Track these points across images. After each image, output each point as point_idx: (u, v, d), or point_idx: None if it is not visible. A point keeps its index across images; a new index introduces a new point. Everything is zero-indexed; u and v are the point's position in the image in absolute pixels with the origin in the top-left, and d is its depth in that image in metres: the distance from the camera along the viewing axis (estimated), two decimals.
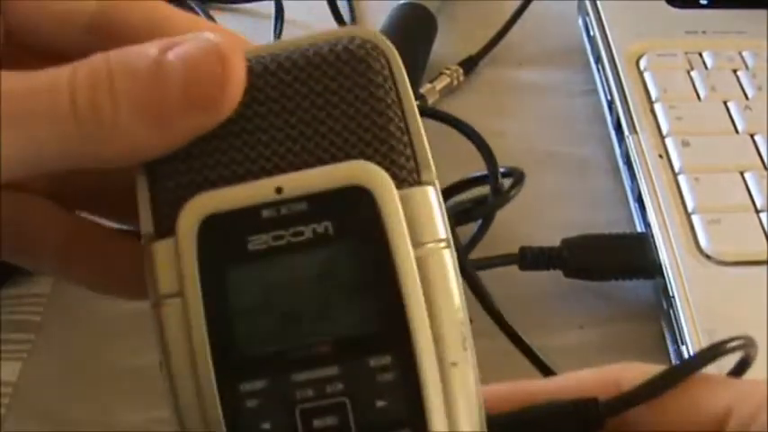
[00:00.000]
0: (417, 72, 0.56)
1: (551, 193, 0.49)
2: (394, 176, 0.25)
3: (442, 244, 0.26)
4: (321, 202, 0.25)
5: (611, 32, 0.55)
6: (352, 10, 0.62)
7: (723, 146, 0.48)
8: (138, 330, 0.43)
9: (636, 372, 0.28)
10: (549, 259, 0.44)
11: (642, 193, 0.46)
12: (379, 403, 0.25)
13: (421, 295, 0.25)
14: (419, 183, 0.26)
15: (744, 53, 0.54)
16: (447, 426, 0.25)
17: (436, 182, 0.26)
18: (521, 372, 0.40)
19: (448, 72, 0.57)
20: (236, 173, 0.26)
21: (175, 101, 0.24)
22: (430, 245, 0.25)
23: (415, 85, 0.54)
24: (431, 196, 0.26)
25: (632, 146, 0.48)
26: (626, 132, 0.50)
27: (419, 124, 0.26)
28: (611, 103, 0.53)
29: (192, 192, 0.26)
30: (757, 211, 0.45)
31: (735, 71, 0.53)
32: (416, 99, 0.53)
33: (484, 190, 0.46)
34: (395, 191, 0.25)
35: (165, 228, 0.26)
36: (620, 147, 0.51)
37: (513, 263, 0.44)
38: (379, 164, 0.25)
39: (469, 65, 0.58)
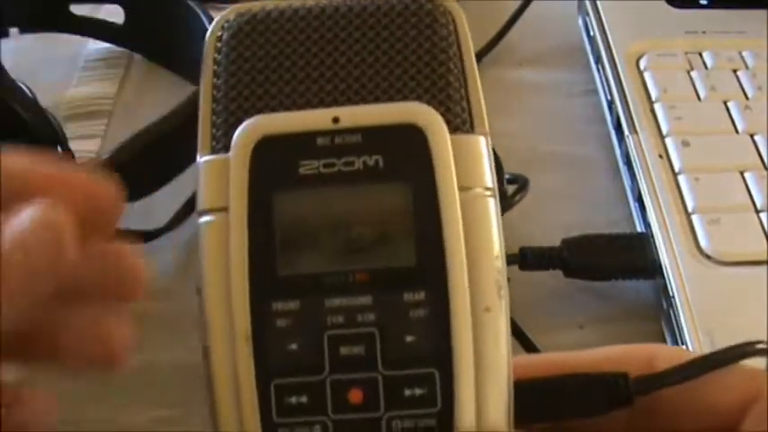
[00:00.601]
0: None
1: (551, 193, 0.49)
2: (448, 122, 0.26)
3: (488, 192, 0.26)
4: (375, 136, 0.26)
5: (611, 32, 0.55)
6: None
7: (723, 146, 0.48)
8: (142, 330, 0.43)
9: (670, 352, 0.28)
10: (549, 259, 0.44)
11: (642, 193, 0.46)
12: (408, 338, 0.25)
13: (461, 237, 0.25)
14: (472, 132, 0.27)
15: (744, 53, 0.54)
16: (473, 369, 0.25)
17: (488, 136, 0.27)
18: None
19: None
20: (296, 102, 0.27)
21: (18, 283, 0.24)
22: (476, 190, 0.26)
23: None
24: (482, 145, 0.27)
25: (632, 146, 0.48)
26: (626, 132, 0.50)
27: (477, 82, 0.27)
28: (611, 103, 0.53)
29: (251, 115, 0.26)
30: (757, 211, 0.45)
31: (735, 71, 0.53)
32: None
33: None
34: (447, 134, 0.26)
35: (221, 146, 0.27)
36: (620, 147, 0.51)
37: (514, 263, 0.44)
38: (435, 108, 0.26)
39: None
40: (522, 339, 0.41)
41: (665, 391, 0.27)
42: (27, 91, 0.44)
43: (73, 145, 0.45)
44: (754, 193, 0.45)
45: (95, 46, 0.60)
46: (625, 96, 0.51)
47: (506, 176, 0.46)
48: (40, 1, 0.58)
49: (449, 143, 0.26)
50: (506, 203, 0.45)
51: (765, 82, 0.52)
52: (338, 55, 0.27)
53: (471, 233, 0.25)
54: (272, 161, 0.26)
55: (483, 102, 0.27)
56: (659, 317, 0.43)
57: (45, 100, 0.45)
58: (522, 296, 0.45)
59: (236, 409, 0.25)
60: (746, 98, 0.51)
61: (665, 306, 0.43)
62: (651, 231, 0.44)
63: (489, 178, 0.26)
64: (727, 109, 0.50)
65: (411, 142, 0.26)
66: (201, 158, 0.27)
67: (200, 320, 0.26)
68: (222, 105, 0.27)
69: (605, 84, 0.54)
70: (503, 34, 0.59)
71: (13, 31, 0.58)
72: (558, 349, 0.43)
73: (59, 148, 0.44)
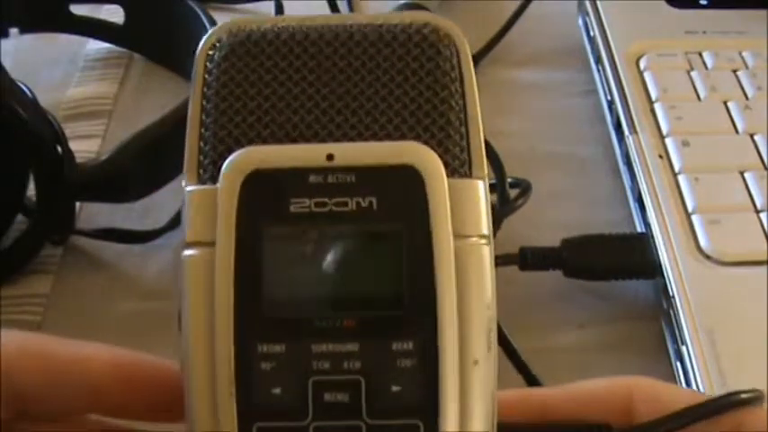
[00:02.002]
0: None
1: (551, 193, 0.49)
2: (446, 164, 0.25)
3: (483, 240, 0.25)
4: (369, 177, 0.25)
5: (611, 32, 0.55)
6: (351, 10, 0.62)
7: (723, 146, 0.48)
8: (140, 331, 0.43)
9: (648, 388, 0.28)
10: (548, 259, 0.44)
11: (642, 193, 0.46)
12: (394, 388, 0.24)
13: (454, 287, 0.24)
14: (470, 176, 0.26)
15: (744, 53, 0.54)
16: (458, 424, 0.24)
17: (486, 179, 0.26)
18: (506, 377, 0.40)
19: None
20: (289, 134, 0.26)
21: None
22: (471, 239, 0.25)
23: None
24: (480, 191, 0.26)
25: (632, 146, 0.48)
26: (626, 132, 0.50)
27: (479, 120, 0.26)
28: (611, 103, 0.53)
29: (241, 146, 0.25)
30: (757, 211, 0.45)
31: (735, 71, 0.53)
32: None
33: (491, 198, 0.46)
34: (445, 178, 0.25)
35: (209, 176, 0.26)
36: (620, 147, 0.51)
37: (513, 263, 0.44)
38: (433, 149, 0.25)
39: None
40: (522, 371, 0.40)
41: None
42: (27, 91, 0.44)
43: (73, 145, 0.45)
44: (754, 193, 0.45)
45: (95, 46, 0.60)
46: (625, 96, 0.51)
47: (509, 180, 0.46)
48: (40, 1, 0.58)
49: (446, 188, 0.25)
50: (509, 208, 0.45)
51: (765, 82, 0.51)
52: (336, 85, 0.26)
53: (464, 282, 0.25)
54: (262, 197, 0.25)
55: (483, 142, 0.26)
56: (659, 317, 0.43)
57: (45, 100, 0.45)
58: (522, 296, 0.45)
59: None
60: (746, 98, 0.51)
61: (665, 306, 0.43)
62: (651, 231, 0.44)
63: (485, 226, 0.26)
64: (727, 109, 0.50)
65: (407, 185, 0.25)
66: (188, 188, 0.26)
67: (181, 358, 0.25)
68: (211, 132, 0.26)
69: (605, 84, 0.54)
70: (503, 34, 0.59)
71: (13, 31, 0.57)
72: (557, 350, 0.43)
73: (59, 148, 0.44)
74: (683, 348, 0.40)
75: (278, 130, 0.26)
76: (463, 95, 0.26)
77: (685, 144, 0.48)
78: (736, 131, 0.49)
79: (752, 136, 0.49)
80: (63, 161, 0.44)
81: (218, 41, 0.27)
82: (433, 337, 0.24)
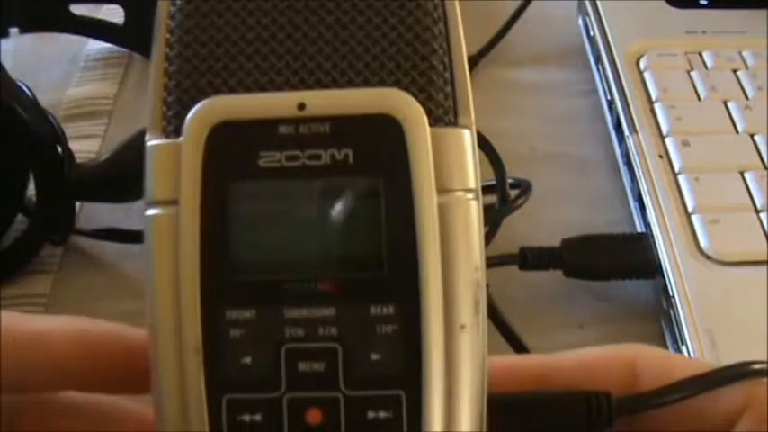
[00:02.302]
0: None
1: (551, 193, 0.49)
2: (429, 112, 0.23)
3: (470, 195, 0.23)
4: (345, 127, 0.23)
5: (611, 32, 0.55)
6: None
7: (723, 146, 0.48)
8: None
9: (651, 355, 0.27)
10: (549, 259, 0.44)
11: (642, 193, 0.46)
12: (374, 356, 0.22)
13: (438, 245, 0.23)
14: (455, 124, 0.24)
15: (744, 53, 0.54)
16: (444, 393, 0.22)
17: (473, 128, 0.24)
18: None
19: None
20: (258, 82, 0.24)
21: None
22: (457, 193, 0.23)
23: None
24: (465, 141, 0.24)
25: (632, 146, 0.48)
26: (626, 132, 0.50)
27: (465, 68, 0.24)
28: (611, 103, 0.53)
29: (207, 95, 0.24)
30: (757, 211, 0.45)
31: (735, 71, 0.53)
32: None
33: (491, 198, 0.46)
34: (427, 127, 0.23)
35: (173, 128, 0.24)
36: (620, 147, 0.51)
37: (513, 263, 0.44)
38: (414, 96, 0.23)
39: (470, 64, 0.57)
40: (513, 342, 0.41)
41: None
42: (27, 91, 0.44)
43: (73, 145, 0.45)
44: (754, 193, 0.45)
45: (95, 46, 0.60)
46: (625, 96, 0.51)
47: (509, 180, 0.46)
48: (40, 1, 0.58)
49: (428, 138, 0.23)
50: (509, 208, 0.45)
51: (765, 82, 0.51)
52: (308, 29, 0.24)
53: (449, 240, 0.23)
54: (229, 151, 0.23)
55: (470, 90, 0.24)
56: (659, 317, 0.43)
57: (45, 100, 0.45)
58: (522, 296, 0.45)
59: (183, 426, 0.23)
60: (746, 98, 0.51)
61: (665, 306, 0.43)
62: (651, 231, 0.44)
63: (472, 179, 0.23)
64: (727, 109, 0.50)
65: (385, 135, 0.23)
66: (150, 142, 0.24)
67: (147, 327, 0.23)
68: (175, 81, 0.24)
69: (605, 84, 0.54)
70: (502, 34, 0.59)
71: (13, 31, 0.57)
72: (557, 350, 0.43)
73: (59, 148, 0.44)
74: (683, 348, 0.40)
75: (246, 78, 0.24)
76: (447, 38, 0.24)
77: (685, 144, 0.48)
78: (736, 131, 0.49)
79: (752, 136, 0.49)
80: (63, 161, 0.44)
81: None
82: (416, 300, 0.22)
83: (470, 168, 0.23)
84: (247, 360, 0.23)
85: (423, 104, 0.23)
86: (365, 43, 0.24)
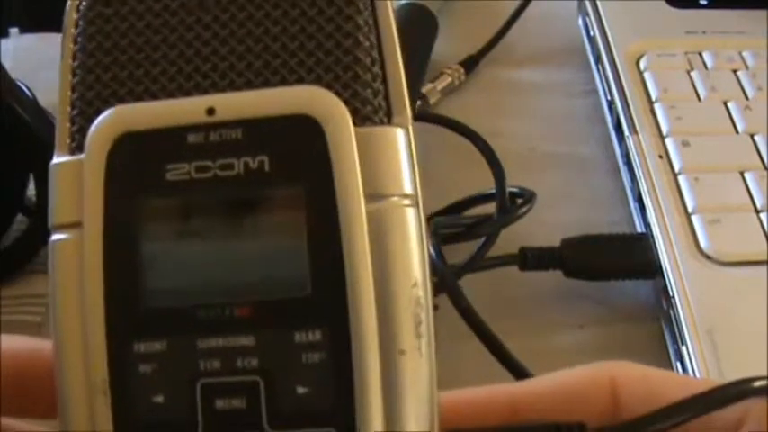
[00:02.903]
0: (418, 72, 0.56)
1: (551, 193, 0.49)
2: (354, 112, 0.21)
3: (407, 201, 0.21)
4: (259, 132, 0.21)
5: (611, 32, 0.55)
6: None
7: (723, 146, 0.48)
8: None
9: (632, 375, 0.24)
10: (549, 259, 0.44)
11: (642, 193, 0.46)
12: (300, 389, 0.20)
13: (368, 260, 0.20)
14: (387, 124, 0.21)
15: (744, 53, 0.54)
16: (382, 425, 0.20)
17: (411, 128, 0.21)
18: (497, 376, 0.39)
19: (449, 72, 0.56)
20: (166, 89, 0.22)
21: None
22: (391, 199, 0.21)
23: (417, 85, 0.54)
24: (399, 140, 0.21)
25: (632, 146, 0.48)
26: (626, 132, 0.50)
27: (399, 61, 0.22)
28: (611, 103, 0.53)
29: (111, 105, 0.22)
30: (757, 211, 0.45)
31: (735, 71, 0.53)
32: (418, 99, 0.54)
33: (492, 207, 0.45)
34: (351, 126, 0.21)
35: (77, 145, 0.22)
36: (620, 147, 0.51)
37: (513, 263, 0.44)
38: (337, 94, 0.21)
39: (470, 64, 0.58)
40: (507, 363, 0.39)
41: None
42: (27, 91, 0.44)
43: None
44: (754, 193, 0.45)
45: None
46: (625, 96, 0.51)
47: (513, 190, 0.45)
48: (40, 1, 0.58)
49: (353, 138, 0.20)
50: (509, 217, 0.44)
51: (765, 82, 0.51)
52: (219, 27, 0.22)
53: (382, 254, 0.20)
54: (134, 165, 0.21)
55: (405, 87, 0.22)
56: (659, 317, 0.43)
57: (45, 100, 0.45)
58: (522, 296, 0.45)
59: None
60: (746, 98, 0.51)
61: (665, 306, 0.42)
62: (651, 231, 0.44)
63: (408, 183, 0.21)
64: (727, 109, 0.50)
65: (304, 138, 0.20)
66: (54, 160, 0.22)
67: (54, 361, 0.21)
68: (78, 93, 0.23)
69: (605, 84, 0.54)
70: (502, 34, 0.59)
71: (13, 31, 0.57)
72: (557, 350, 0.43)
73: None
74: (683, 348, 0.40)
75: (152, 85, 0.22)
76: (376, 28, 0.22)
77: (685, 144, 0.48)
78: (736, 131, 0.49)
79: (752, 136, 0.49)
80: None
81: None
82: (345, 323, 0.20)
83: (406, 171, 0.21)
84: (159, 399, 0.20)
85: (347, 102, 0.21)
86: (281, 39, 0.22)
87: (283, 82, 0.21)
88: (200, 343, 0.20)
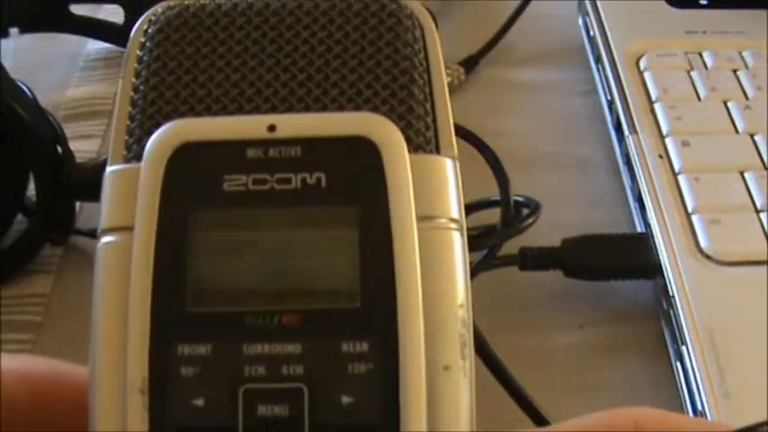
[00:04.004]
0: None
1: (551, 193, 0.49)
2: (408, 140, 0.22)
3: (454, 225, 0.22)
4: (318, 150, 0.21)
5: (611, 32, 0.55)
6: None
7: (723, 146, 0.48)
8: None
9: (654, 418, 0.25)
10: (549, 259, 0.44)
11: (642, 193, 0.46)
12: (345, 399, 0.20)
13: (417, 277, 0.20)
14: (437, 153, 0.22)
15: (744, 53, 0.54)
16: None
17: (457, 161, 0.22)
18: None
19: (449, 71, 0.56)
20: (227, 108, 0.22)
21: None
22: (439, 220, 0.21)
23: None
24: (448, 168, 0.22)
25: (632, 146, 0.48)
26: (626, 132, 0.50)
27: (447, 99, 0.23)
28: (611, 103, 0.53)
29: (172, 120, 0.22)
30: (757, 211, 0.45)
31: (735, 71, 0.53)
32: None
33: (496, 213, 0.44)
34: (406, 151, 0.21)
35: (133, 155, 0.22)
36: (620, 147, 0.51)
37: (513, 263, 0.44)
38: (393, 122, 0.22)
39: (470, 64, 0.58)
40: (528, 410, 0.38)
41: None
42: (27, 91, 0.44)
43: (73, 145, 0.45)
44: (754, 193, 0.45)
45: (95, 46, 0.60)
46: (625, 96, 0.51)
47: (518, 199, 0.45)
48: (40, 1, 0.58)
49: (407, 163, 0.21)
50: (513, 228, 0.44)
51: (765, 82, 0.51)
52: (282, 56, 0.23)
53: (430, 273, 0.21)
54: (192, 174, 0.21)
55: (452, 126, 0.23)
56: (659, 317, 0.43)
57: (45, 100, 0.45)
58: (522, 296, 0.45)
59: None
60: (746, 98, 0.51)
61: (665, 306, 0.42)
62: (651, 231, 0.44)
63: (456, 208, 0.22)
64: (727, 109, 0.50)
65: (361, 159, 0.21)
66: (109, 168, 0.22)
67: (89, 364, 0.21)
68: (139, 108, 0.23)
69: (605, 84, 0.54)
70: (502, 34, 0.59)
71: (13, 31, 0.57)
72: (557, 350, 0.43)
73: (59, 148, 0.44)
74: (683, 348, 0.40)
75: (214, 105, 0.22)
76: (428, 70, 0.23)
77: (685, 144, 0.48)
78: (736, 131, 0.49)
79: (752, 136, 0.49)
80: (63, 161, 0.44)
81: (154, 15, 0.24)
82: (393, 336, 0.20)
83: (453, 198, 0.22)
84: (199, 402, 0.20)
85: (402, 131, 0.22)
86: (341, 71, 0.23)
87: (340, 110, 0.22)
88: (245, 349, 0.20)
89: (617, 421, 0.25)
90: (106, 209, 0.22)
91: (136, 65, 0.23)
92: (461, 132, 0.47)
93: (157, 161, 0.21)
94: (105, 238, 0.22)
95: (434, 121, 0.23)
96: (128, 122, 0.23)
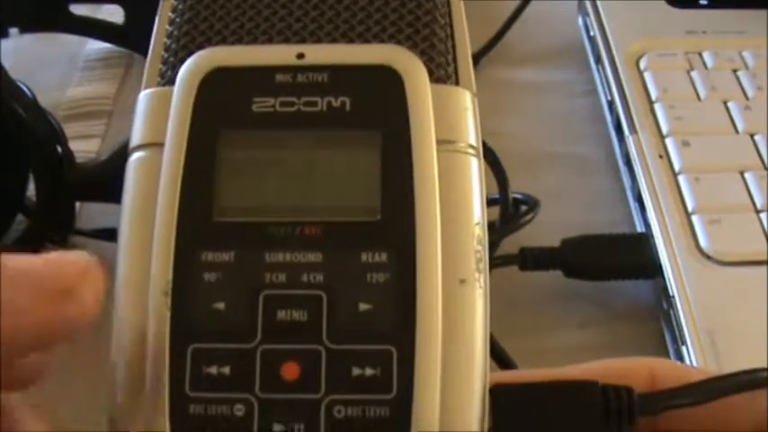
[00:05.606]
0: None
1: (551, 193, 0.49)
2: (430, 72, 0.23)
3: (471, 150, 0.22)
4: (344, 76, 0.22)
5: (611, 32, 0.55)
6: None
7: (723, 146, 0.48)
8: None
9: (671, 367, 0.25)
10: (549, 259, 0.44)
11: (642, 193, 0.46)
12: (363, 306, 0.20)
13: (436, 194, 0.21)
14: (457, 84, 0.23)
15: (744, 53, 0.54)
16: (440, 351, 0.20)
17: (475, 96, 0.24)
18: None
19: None
20: (258, 40, 0.23)
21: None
22: (458, 144, 0.22)
23: None
24: (467, 98, 0.23)
25: (632, 146, 0.48)
26: (626, 132, 0.50)
27: (467, 40, 0.24)
28: (611, 103, 0.53)
29: (204, 47, 0.23)
30: (757, 211, 0.45)
31: (735, 71, 0.53)
32: None
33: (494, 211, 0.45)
34: (427, 80, 0.22)
35: (167, 81, 0.23)
36: (620, 147, 0.51)
37: (514, 263, 0.44)
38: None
39: None
40: (500, 359, 0.39)
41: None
42: (27, 91, 0.44)
43: (73, 145, 0.45)
44: (754, 193, 0.45)
45: (95, 46, 0.60)
46: (625, 96, 0.51)
47: (517, 196, 0.45)
48: (40, 1, 0.58)
49: (428, 90, 0.22)
50: (512, 225, 0.44)
51: (765, 82, 0.51)
52: None
53: (448, 192, 0.21)
54: (222, 96, 0.22)
55: (471, 61, 0.24)
56: (659, 317, 0.43)
57: (45, 100, 0.45)
58: (522, 296, 0.45)
59: (139, 376, 0.20)
60: (746, 98, 0.51)
61: (665, 306, 0.43)
62: (651, 231, 0.44)
63: (473, 135, 0.23)
64: (727, 109, 0.50)
65: (384, 85, 0.22)
66: (143, 92, 0.23)
67: (115, 269, 0.22)
68: (174, 39, 0.24)
69: (605, 84, 0.54)
70: (502, 34, 0.59)
71: (13, 31, 0.57)
72: (557, 350, 0.43)
73: (59, 148, 0.44)
74: (683, 348, 0.40)
75: (245, 36, 0.23)
76: (450, 13, 0.24)
77: (685, 144, 0.48)
78: (736, 131, 0.49)
79: (752, 136, 0.49)
80: (63, 161, 0.44)
81: None
82: (411, 248, 0.21)
83: (471, 126, 0.23)
84: (220, 305, 0.21)
85: (424, 64, 0.23)
86: (368, 9, 0.24)
87: (365, 43, 0.23)
88: (267, 257, 0.21)
89: (633, 370, 0.25)
90: (138, 127, 0.23)
91: (173, 1, 0.25)
92: None
93: (190, 83, 0.22)
94: (137, 154, 0.22)
95: (455, 59, 0.24)
96: (163, 53, 0.24)
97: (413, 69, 0.22)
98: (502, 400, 0.22)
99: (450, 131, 0.22)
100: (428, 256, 0.21)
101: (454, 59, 0.24)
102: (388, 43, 0.23)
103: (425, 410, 0.20)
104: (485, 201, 0.22)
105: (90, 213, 0.48)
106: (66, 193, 0.44)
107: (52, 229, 0.46)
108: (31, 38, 0.59)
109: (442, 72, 0.23)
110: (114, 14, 0.59)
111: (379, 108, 0.22)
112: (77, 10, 0.58)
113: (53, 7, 0.58)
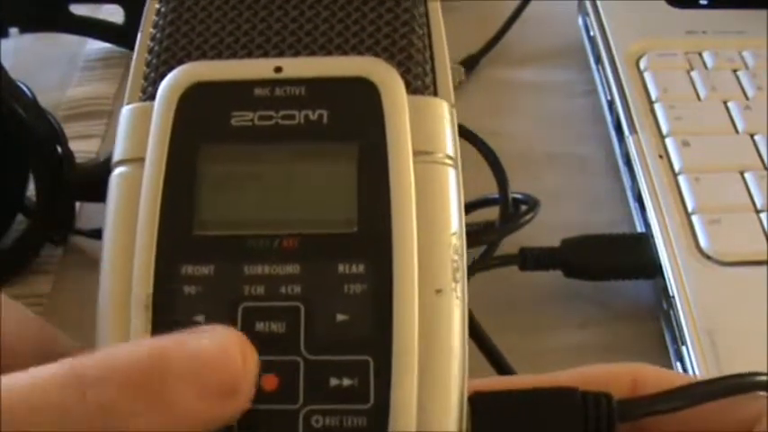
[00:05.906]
0: None
1: (551, 193, 0.49)
2: (407, 83, 0.23)
3: (449, 161, 0.23)
4: (321, 89, 0.23)
5: (611, 32, 0.55)
6: None
7: (723, 146, 0.48)
8: None
9: (655, 374, 0.25)
10: (549, 259, 0.44)
11: (642, 193, 0.46)
12: (340, 317, 0.21)
13: (412, 205, 0.22)
14: (435, 95, 0.24)
15: (744, 53, 0.54)
16: (416, 361, 0.21)
17: (454, 107, 0.24)
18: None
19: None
20: (237, 54, 0.24)
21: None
22: (435, 155, 0.23)
23: None
24: (444, 109, 0.23)
25: (632, 146, 0.48)
26: (626, 132, 0.50)
27: (445, 51, 0.24)
28: (610, 103, 0.53)
29: (184, 62, 0.24)
30: (757, 211, 0.45)
31: (735, 71, 0.53)
32: None
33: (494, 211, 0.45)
34: (404, 91, 0.23)
35: (148, 96, 0.24)
36: (620, 147, 0.51)
37: (514, 263, 0.44)
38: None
39: (470, 64, 0.58)
40: (493, 358, 0.39)
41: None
42: (27, 91, 0.44)
43: (73, 145, 0.45)
44: (754, 193, 0.45)
45: (95, 46, 0.60)
46: (625, 96, 0.51)
47: (517, 196, 0.45)
48: (40, 1, 0.58)
49: (405, 101, 0.22)
50: (513, 225, 0.44)
51: (765, 82, 0.51)
52: (289, 7, 0.24)
53: (425, 203, 0.22)
54: (202, 110, 0.23)
55: (450, 71, 0.24)
56: (659, 317, 0.43)
57: (45, 100, 0.45)
58: (522, 296, 0.45)
59: None
60: (746, 98, 0.51)
61: (665, 306, 0.42)
62: (651, 231, 0.44)
63: (450, 146, 0.23)
64: (727, 109, 0.50)
65: (361, 97, 0.22)
66: (124, 108, 0.24)
67: (99, 283, 0.22)
68: (154, 54, 0.24)
69: (605, 84, 0.54)
70: (502, 34, 0.59)
71: (13, 31, 0.57)
72: (557, 350, 0.43)
73: (59, 148, 0.44)
74: (683, 348, 0.40)
75: (225, 50, 0.24)
76: (428, 23, 0.25)
77: (685, 144, 0.48)
78: (736, 131, 0.49)
79: (752, 136, 0.49)
80: (63, 161, 0.44)
81: None
82: (388, 259, 0.21)
83: (448, 136, 0.23)
84: (200, 318, 0.21)
85: (401, 76, 0.23)
86: (346, 21, 0.24)
87: (344, 55, 0.24)
88: (246, 269, 0.21)
89: (616, 376, 0.25)
90: (120, 142, 0.23)
91: (154, 16, 0.25)
92: (460, 132, 0.47)
93: (170, 98, 0.23)
94: (118, 169, 0.23)
95: (433, 70, 0.24)
96: (144, 69, 0.24)
97: (389, 81, 0.23)
98: (481, 408, 0.22)
99: (427, 142, 0.23)
100: (404, 266, 0.21)
101: (432, 70, 0.24)
102: (366, 55, 0.24)
103: (402, 420, 0.20)
104: (462, 210, 0.22)
105: (90, 213, 0.48)
106: (66, 193, 0.44)
107: (52, 229, 0.46)
108: (31, 38, 0.59)
109: (420, 83, 0.23)
110: (114, 14, 0.59)
111: (356, 120, 0.22)
112: (77, 10, 0.58)
113: (53, 7, 0.58)
